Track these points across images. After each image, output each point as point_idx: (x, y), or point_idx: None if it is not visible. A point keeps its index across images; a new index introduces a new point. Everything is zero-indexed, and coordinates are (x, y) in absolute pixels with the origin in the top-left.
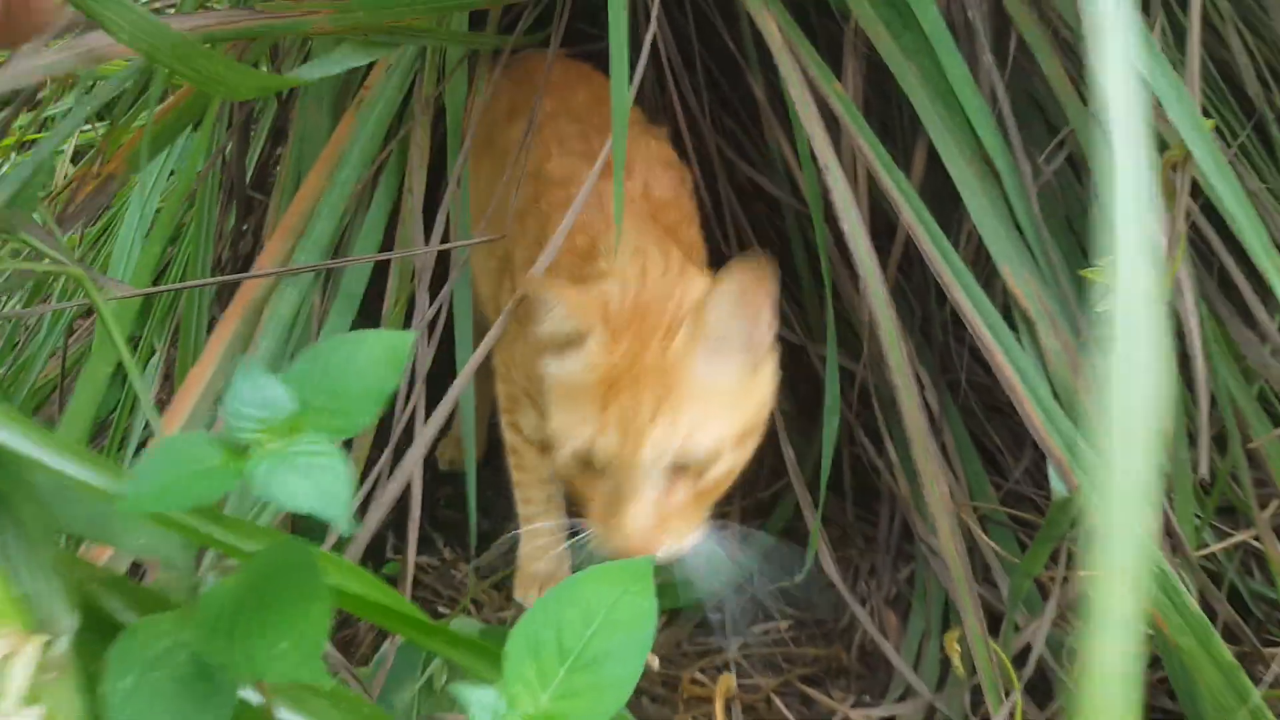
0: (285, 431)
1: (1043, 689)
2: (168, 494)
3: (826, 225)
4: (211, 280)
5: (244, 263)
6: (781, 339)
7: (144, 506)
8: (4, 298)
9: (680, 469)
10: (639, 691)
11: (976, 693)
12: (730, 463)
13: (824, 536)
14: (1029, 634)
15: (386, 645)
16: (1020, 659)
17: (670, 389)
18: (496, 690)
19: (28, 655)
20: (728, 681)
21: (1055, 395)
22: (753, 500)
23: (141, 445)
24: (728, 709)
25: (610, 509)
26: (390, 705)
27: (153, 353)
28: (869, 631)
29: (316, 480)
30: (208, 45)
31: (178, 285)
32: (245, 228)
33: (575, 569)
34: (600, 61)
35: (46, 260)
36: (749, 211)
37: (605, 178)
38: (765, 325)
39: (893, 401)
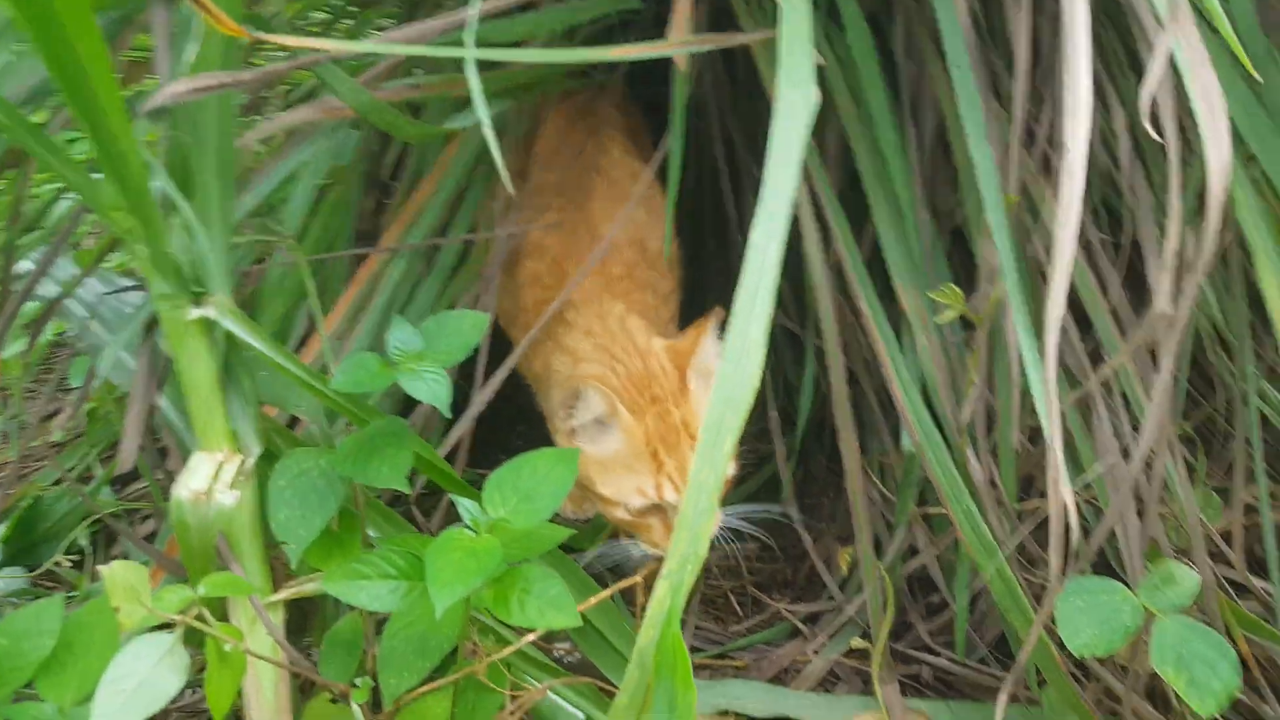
0: (416, 359)
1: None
2: (354, 383)
3: None
4: (352, 251)
5: (375, 235)
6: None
7: (344, 388)
8: None
9: None
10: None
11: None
12: (735, 465)
13: (796, 486)
14: (925, 557)
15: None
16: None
17: (698, 433)
18: (477, 504)
19: (234, 465)
20: (653, 568)
21: (923, 380)
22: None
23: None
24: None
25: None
26: None
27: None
28: (812, 556)
29: (431, 386)
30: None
31: (329, 255)
32: (384, 202)
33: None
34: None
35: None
36: None
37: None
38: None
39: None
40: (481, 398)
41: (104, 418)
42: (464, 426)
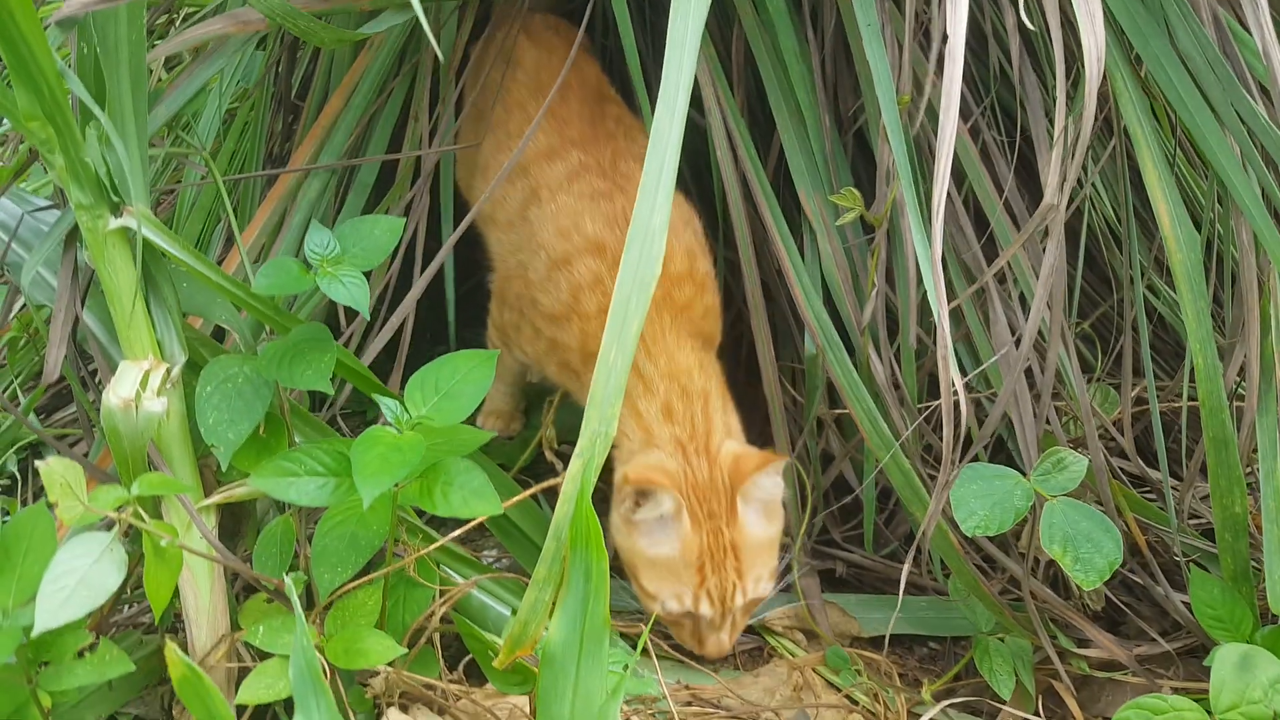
0: (334, 263)
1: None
2: (275, 286)
3: None
4: (267, 172)
5: (288, 156)
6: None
7: (266, 290)
8: None
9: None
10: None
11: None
12: (771, 588)
13: None
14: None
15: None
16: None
17: (740, 557)
18: (398, 402)
19: (160, 372)
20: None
21: (825, 283)
22: None
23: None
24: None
25: (698, 634)
26: None
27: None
28: None
29: (350, 289)
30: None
31: (244, 175)
32: (295, 125)
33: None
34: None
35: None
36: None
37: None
38: (782, 488)
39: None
40: (413, 292)
41: (25, 346)
42: (393, 329)
